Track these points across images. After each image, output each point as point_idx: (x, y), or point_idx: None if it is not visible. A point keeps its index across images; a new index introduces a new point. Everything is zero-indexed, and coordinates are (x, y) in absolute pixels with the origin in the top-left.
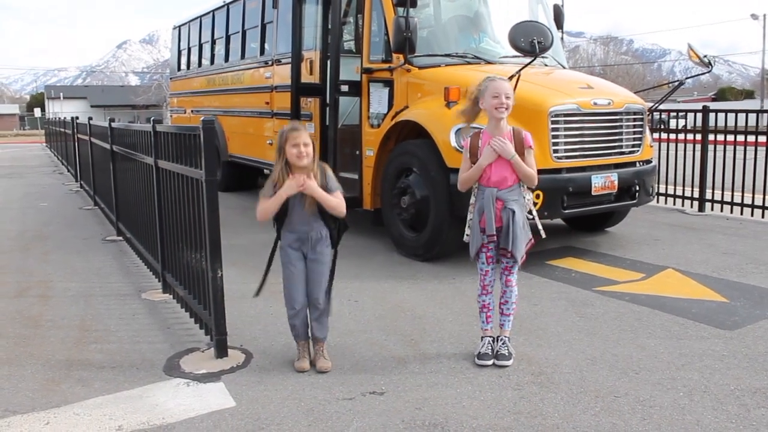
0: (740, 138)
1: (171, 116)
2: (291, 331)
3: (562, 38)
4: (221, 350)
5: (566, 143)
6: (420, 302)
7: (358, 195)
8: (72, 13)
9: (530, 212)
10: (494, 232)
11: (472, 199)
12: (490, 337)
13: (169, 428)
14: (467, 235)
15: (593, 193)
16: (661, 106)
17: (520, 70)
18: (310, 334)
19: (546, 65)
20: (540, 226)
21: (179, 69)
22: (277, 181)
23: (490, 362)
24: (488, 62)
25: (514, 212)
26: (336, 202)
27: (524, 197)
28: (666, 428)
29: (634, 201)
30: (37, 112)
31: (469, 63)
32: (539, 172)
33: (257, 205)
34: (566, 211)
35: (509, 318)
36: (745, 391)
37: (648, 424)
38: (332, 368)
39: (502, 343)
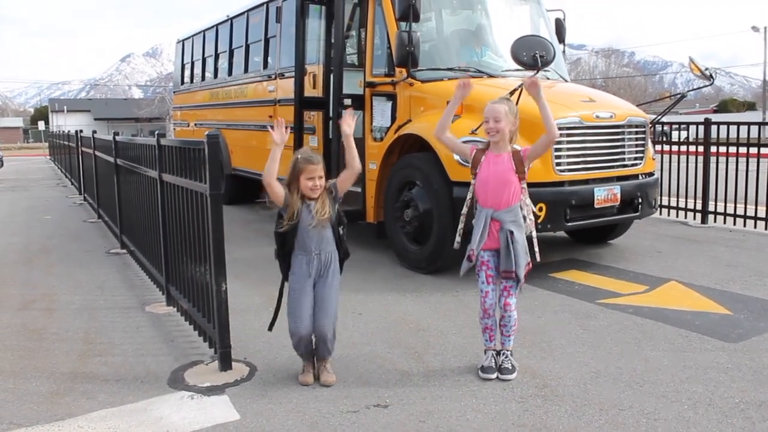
0: (742, 150)
1: (174, 129)
2: (294, 350)
3: (564, 51)
4: (225, 363)
5: (569, 156)
6: (424, 315)
7: (361, 208)
8: (75, 27)
9: (530, 234)
10: (478, 249)
11: (465, 209)
12: (493, 350)
13: None
14: (457, 242)
15: (596, 206)
16: (663, 119)
17: (522, 84)
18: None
19: (548, 78)
20: (537, 249)
21: (183, 82)
22: (293, 213)
23: (494, 375)
24: (491, 76)
25: (512, 233)
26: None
27: (525, 218)
28: None
29: (637, 213)
30: (41, 125)
31: (471, 77)
32: (542, 185)
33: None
34: (569, 224)
35: (510, 338)
36: (750, 404)
37: None
38: (336, 381)
39: (505, 357)
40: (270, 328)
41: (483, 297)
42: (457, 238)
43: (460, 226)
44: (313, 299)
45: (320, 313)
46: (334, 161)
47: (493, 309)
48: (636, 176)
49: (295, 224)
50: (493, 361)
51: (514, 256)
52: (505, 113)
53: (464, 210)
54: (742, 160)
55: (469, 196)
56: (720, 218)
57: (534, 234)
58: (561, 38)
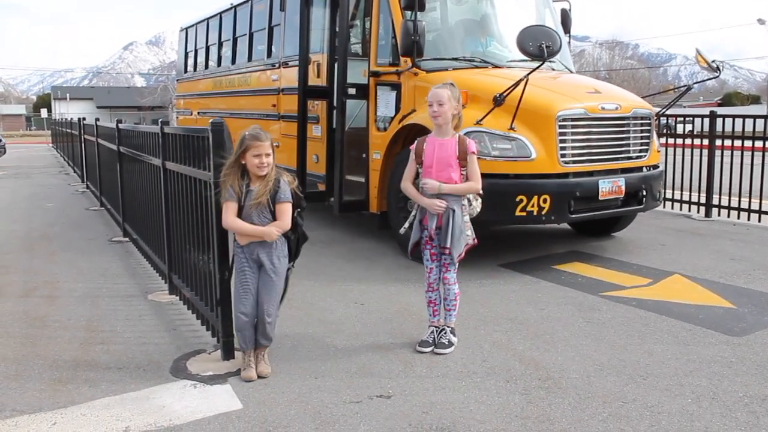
0: (748, 143)
1: (177, 118)
2: (237, 335)
3: (569, 42)
4: (228, 352)
5: (574, 148)
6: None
7: (364, 198)
8: (78, 14)
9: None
10: (435, 229)
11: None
12: (435, 327)
13: (176, 430)
14: (405, 228)
15: (600, 198)
16: (668, 111)
17: (528, 74)
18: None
19: (553, 69)
20: (470, 231)
21: (186, 71)
22: (233, 186)
23: (429, 349)
24: (496, 66)
25: (454, 212)
26: (283, 223)
27: (469, 202)
28: None
29: (641, 206)
30: (44, 112)
31: (476, 67)
32: (546, 176)
33: (224, 210)
34: (573, 216)
35: (451, 312)
36: (754, 398)
37: (656, 430)
38: (339, 371)
39: (443, 333)
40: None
41: (427, 273)
42: (405, 224)
43: (413, 213)
44: (257, 282)
45: (263, 297)
46: (337, 151)
47: (436, 284)
48: (640, 169)
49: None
50: (433, 336)
51: (450, 235)
52: (448, 97)
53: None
54: (747, 153)
55: (420, 185)
56: (724, 212)
57: (468, 218)
58: (566, 29)
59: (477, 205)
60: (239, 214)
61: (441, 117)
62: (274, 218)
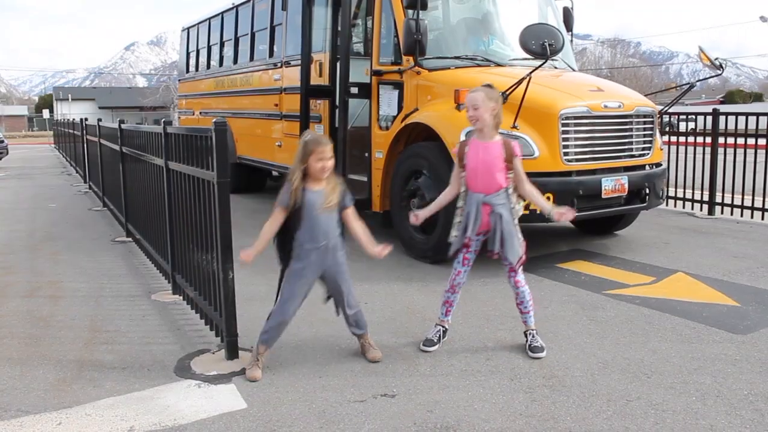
0: (751, 141)
1: (179, 118)
2: (262, 336)
3: (571, 40)
4: (232, 352)
5: (576, 146)
6: (430, 304)
7: (367, 197)
8: (80, 15)
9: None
10: (474, 236)
11: (460, 203)
12: (441, 326)
13: (180, 429)
14: (454, 236)
15: (603, 196)
16: (671, 109)
17: (530, 72)
18: (353, 331)
19: (556, 68)
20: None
21: (188, 71)
22: (295, 191)
23: (432, 348)
24: (498, 64)
25: (501, 216)
26: (365, 235)
27: (514, 205)
28: None
29: (644, 204)
30: (46, 113)
31: (479, 65)
32: (549, 174)
33: (272, 213)
34: (576, 214)
35: (529, 315)
36: (758, 395)
37: (661, 428)
38: (343, 370)
39: (532, 337)
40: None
41: (454, 274)
42: (454, 232)
43: (457, 219)
44: (309, 289)
45: (343, 288)
46: (340, 150)
47: (460, 287)
48: (643, 167)
49: (298, 210)
50: (438, 335)
51: (502, 239)
52: (483, 99)
53: (459, 203)
54: (750, 151)
55: (462, 189)
56: (727, 209)
57: (516, 221)
58: (569, 27)
59: (519, 208)
60: (294, 217)
61: (479, 121)
62: (339, 219)
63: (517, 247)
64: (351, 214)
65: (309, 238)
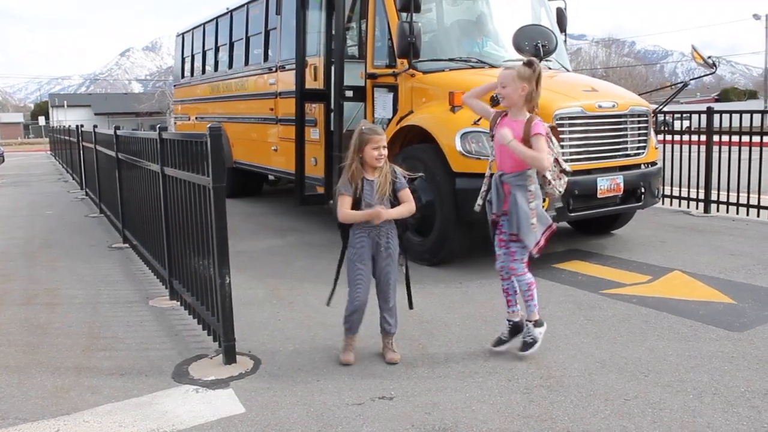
0: (745, 138)
1: (175, 123)
2: (345, 324)
3: (565, 41)
4: (230, 357)
5: (571, 146)
6: (427, 306)
7: None
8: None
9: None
10: (498, 212)
11: (488, 171)
12: (509, 321)
13: None
14: (479, 204)
15: (599, 196)
16: (665, 108)
17: None
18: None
19: (550, 68)
20: (546, 218)
21: (183, 76)
22: (353, 178)
23: (503, 348)
24: (492, 66)
25: (515, 197)
26: (408, 208)
27: (547, 181)
28: (677, 431)
29: (640, 203)
30: (42, 120)
31: (473, 67)
32: None
33: (338, 202)
34: (572, 214)
35: (528, 303)
36: (755, 393)
37: (659, 426)
38: (341, 373)
39: (526, 330)
40: (328, 303)
41: (497, 260)
42: (479, 201)
43: (483, 188)
44: (371, 270)
45: (384, 280)
46: (335, 152)
47: (504, 272)
48: (639, 166)
49: (358, 199)
50: (506, 332)
51: (517, 220)
52: (512, 78)
53: (487, 172)
54: (745, 149)
55: (491, 159)
56: (723, 207)
57: (537, 203)
58: (562, 28)
59: (558, 184)
60: (355, 207)
61: (506, 99)
62: (394, 206)
63: (528, 232)
64: (404, 196)
65: (364, 224)
